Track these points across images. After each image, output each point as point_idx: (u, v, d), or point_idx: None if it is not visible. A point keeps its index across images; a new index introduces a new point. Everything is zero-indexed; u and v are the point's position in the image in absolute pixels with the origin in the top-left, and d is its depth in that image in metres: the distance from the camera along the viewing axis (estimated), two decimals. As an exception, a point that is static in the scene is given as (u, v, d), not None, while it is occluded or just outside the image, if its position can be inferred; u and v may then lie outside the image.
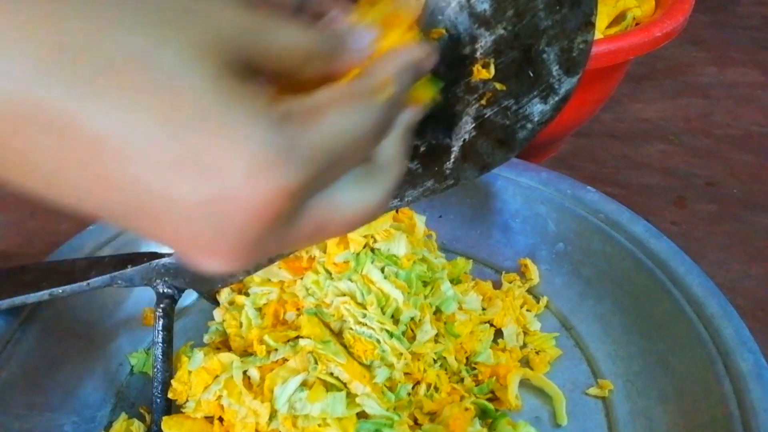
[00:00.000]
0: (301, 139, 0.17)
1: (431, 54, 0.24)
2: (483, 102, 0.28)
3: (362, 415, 0.40)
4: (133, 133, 0.16)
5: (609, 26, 0.69)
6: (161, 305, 0.43)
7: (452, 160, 0.30)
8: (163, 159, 0.16)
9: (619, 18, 0.69)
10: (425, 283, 0.48)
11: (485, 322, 0.51)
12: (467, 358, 0.48)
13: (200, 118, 0.16)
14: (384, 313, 0.43)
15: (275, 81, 0.20)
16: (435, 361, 0.46)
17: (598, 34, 0.65)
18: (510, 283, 0.55)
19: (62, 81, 0.15)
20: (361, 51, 0.22)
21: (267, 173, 0.16)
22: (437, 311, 0.48)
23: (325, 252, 0.46)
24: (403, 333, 0.44)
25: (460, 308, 0.50)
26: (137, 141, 0.16)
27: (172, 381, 0.43)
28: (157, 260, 0.42)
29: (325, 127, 0.18)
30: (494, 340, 0.50)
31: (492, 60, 0.27)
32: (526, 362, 0.50)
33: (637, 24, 0.68)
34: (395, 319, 0.44)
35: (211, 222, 0.17)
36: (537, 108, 0.29)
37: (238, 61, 0.18)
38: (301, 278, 0.46)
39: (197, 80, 0.16)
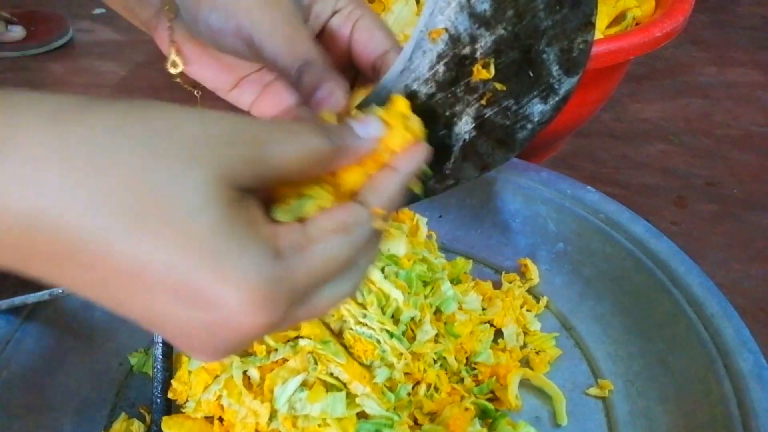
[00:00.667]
0: (293, 273, 0.20)
1: (427, 154, 0.25)
2: (483, 102, 0.28)
3: (362, 415, 0.40)
4: (152, 265, 0.19)
5: (609, 26, 0.69)
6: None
7: (452, 160, 0.30)
8: (173, 288, 0.19)
9: (619, 18, 0.69)
10: (425, 283, 0.48)
11: (485, 322, 0.51)
12: (467, 358, 0.48)
13: (209, 256, 0.19)
14: (384, 314, 0.43)
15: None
16: (435, 361, 0.46)
17: (598, 34, 0.65)
18: (510, 283, 0.55)
19: (103, 217, 0.18)
20: (364, 149, 0.24)
21: (259, 308, 0.20)
22: (437, 311, 0.48)
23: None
24: (403, 333, 0.44)
25: (460, 308, 0.50)
26: (154, 271, 0.19)
27: (172, 381, 0.43)
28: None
29: (317, 257, 0.21)
30: (494, 340, 0.50)
31: (492, 60, 0.27)
32: (526, 362, 0.50)
33: (637, 24, 0.68)
34: (395, 319, 0.44)
35: (205, 338, 0.20)
36: (537, 108, 0.29)
37: (248, 182, 0.20)
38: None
39: (209, 221, 0.19)
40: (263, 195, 0.22)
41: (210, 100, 0.37)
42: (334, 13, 0.31)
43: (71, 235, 0.18)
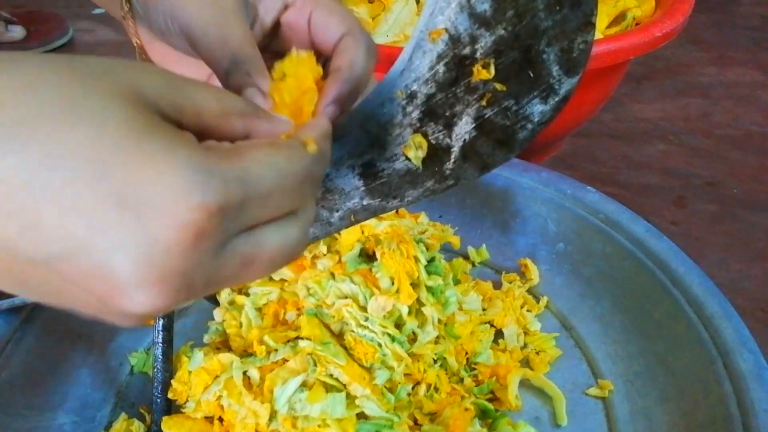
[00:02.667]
0: (224, 165, 0.18)
1: (327, 124, 0.25)
2: (483, 102, 0.28)
3: (362, 416, 0.40)
4: (54, 176, 0.16)
5: (609, 26, 0.69)
6: (161, 305, 0.43)
7: (452, 160, 0.30)
8: (84, 197, 0.16)
9: (619, 18, 0.70)
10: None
11: (485, 323, 0.51)
12: (467, 359, 0.48)
13: (123, 151, 0.17)
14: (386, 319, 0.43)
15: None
16: (435, 362, 0.46)
17: (598, 34, 0.65)
18: (510, 283, 0.55)
19: None
20: (278, 121, 0.23)
21: (190, 191, 0.17)
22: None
23: (328, 251, 0.46)
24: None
25: (460, 309, 0.50)
26: (58, 183, 0.16)
27: (172, 381, 0.43)
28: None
29: (250, 161, 0.19)
30: (494, 341, 0.50)
31: (492, 60, 0.27)
32: (526, 362, 0.50)
33: (637, 24, 0.68)
34: (398, 324, 0.44)
35: (136, 249, 0.17)
36: (537, 108, 0.29)
37: (158, 111, 0.19)
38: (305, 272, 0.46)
39: (119, 121, 0.17)
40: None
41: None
42: (287, 7, 0.31)
43: None
